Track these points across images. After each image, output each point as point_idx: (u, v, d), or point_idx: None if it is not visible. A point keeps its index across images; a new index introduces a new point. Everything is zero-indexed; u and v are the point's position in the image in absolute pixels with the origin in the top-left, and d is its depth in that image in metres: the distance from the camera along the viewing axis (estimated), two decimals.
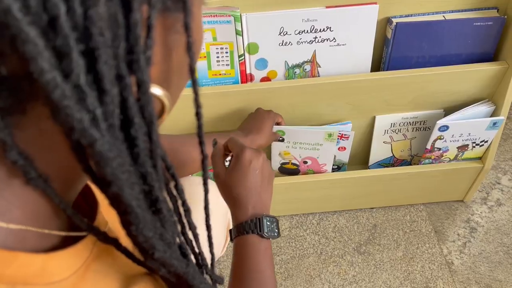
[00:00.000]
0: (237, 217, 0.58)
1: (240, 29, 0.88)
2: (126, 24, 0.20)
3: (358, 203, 1.20)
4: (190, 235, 0.37)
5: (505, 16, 0.91)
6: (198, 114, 0.28)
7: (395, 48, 0.94)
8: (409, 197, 1.20)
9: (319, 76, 0.98)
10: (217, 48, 0.91)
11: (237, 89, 0.96)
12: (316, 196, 1.16)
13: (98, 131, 0.21)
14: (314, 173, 1.08)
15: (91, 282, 0.31)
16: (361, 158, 1.19)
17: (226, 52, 0.92)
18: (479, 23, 0.91)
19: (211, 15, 0.86)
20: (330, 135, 0.96)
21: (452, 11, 0.92)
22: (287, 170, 1.09)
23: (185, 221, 0.36)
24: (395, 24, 0.90)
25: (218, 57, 0.93)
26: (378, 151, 1.12)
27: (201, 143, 0.31)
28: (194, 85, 0.26)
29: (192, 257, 0.39)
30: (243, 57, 0.93)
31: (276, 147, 1.01)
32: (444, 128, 0.99)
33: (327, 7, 0.89)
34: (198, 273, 0.34)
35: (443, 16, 0.92)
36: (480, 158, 1.10)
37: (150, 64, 0.22)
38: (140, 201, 0.25)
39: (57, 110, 0.20)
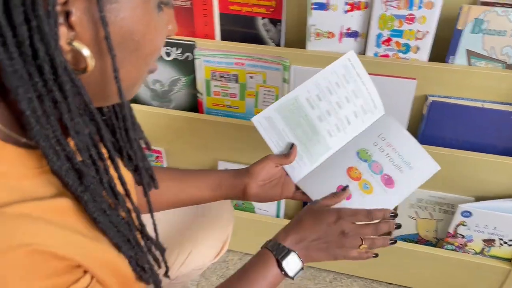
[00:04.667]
0: (278, 234, 0.62)
1: (288, 78, 1.01)
2: None
3: (375, 273, 1.19)
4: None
5: None
6: (116, 78, 0.37)
7: (429, 125, 0.98)
8: (430, 284, 1.15)
9: None
10: (265, 90, 1.05)
11: None
12: None
13: (5, 53, 0.32)
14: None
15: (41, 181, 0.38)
16: None
17: (272, 95, 1.05)
18: None
19: (264, 61, 1.01)
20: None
21: (492, 102, 0.95)
22: None
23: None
24: (430, 101, 0.95)
25: (265, 98, 1.06)
26: (403, 224, 1.12)
27: (119, 92, 0.39)
28: (111, 51, 0.36)
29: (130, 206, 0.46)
30: None
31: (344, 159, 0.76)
32: (467, 214, 0.97)
33: (369, 73, 0.97)
34: (96, 202, 0.39)
35: (482, 104, 0.94)
36: (510, 260, 1.04)
37: (52, 17, 0.32)
38: (39, 111, 0.34)
39: None
